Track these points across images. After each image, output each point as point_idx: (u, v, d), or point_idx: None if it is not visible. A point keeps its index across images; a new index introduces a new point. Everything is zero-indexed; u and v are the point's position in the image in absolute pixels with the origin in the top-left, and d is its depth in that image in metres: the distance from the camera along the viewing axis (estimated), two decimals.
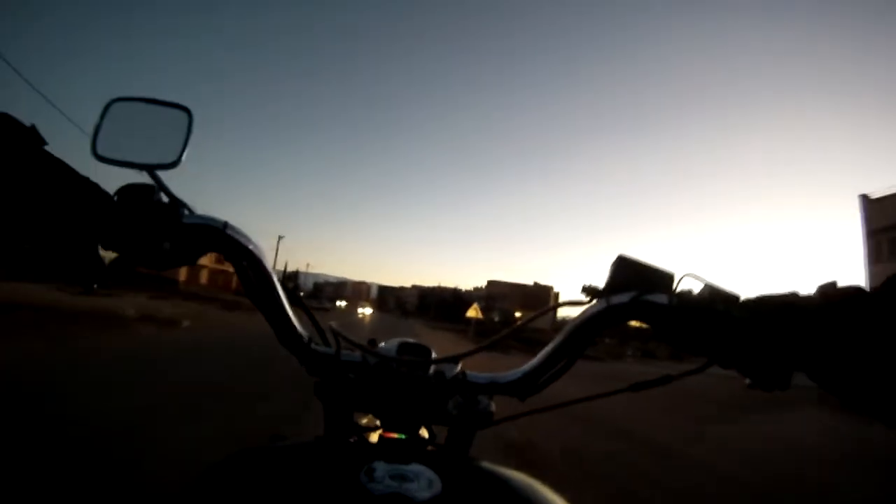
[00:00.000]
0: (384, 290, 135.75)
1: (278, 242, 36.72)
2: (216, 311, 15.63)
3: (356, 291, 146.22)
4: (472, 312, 23.82)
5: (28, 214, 0.39)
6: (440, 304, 69.10)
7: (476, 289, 76.78)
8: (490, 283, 71.94)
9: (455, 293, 75.32)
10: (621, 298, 0.47)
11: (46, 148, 0.40)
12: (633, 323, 0.49)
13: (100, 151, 0.46)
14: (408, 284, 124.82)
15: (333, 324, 0.54)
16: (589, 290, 0.49)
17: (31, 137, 0.39)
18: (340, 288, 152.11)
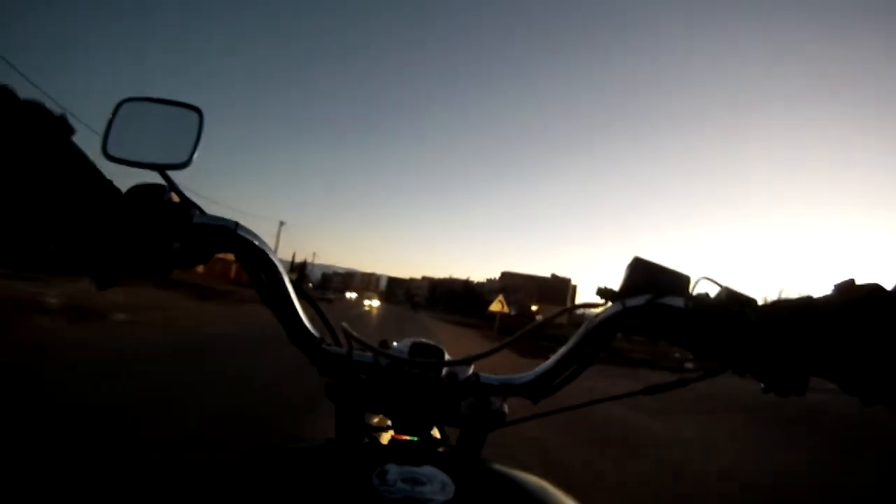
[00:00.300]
0: (393, 282, 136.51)
1: (279, 228, 35.02)
2: (184, 301, 12.30)
3: (365, 282, 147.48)
4: (497, 306, 20.67)
5: (49, 206, 0.41)
6: (451, 296, 69.24)
7: (489, 280, 76.62)
8: (504, 274, 71.56)
9: (467, 285, 75.47)
10: (637, 301, 0.48)
11: (73, 139, 0.41)
12: None
13: (110, 151, 0.48)
14: (418, 276, 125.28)
15: (345, 324, 0.55)
16: (604, 292, 0.50)
17: (61, 127, 0.40)
18: (349, 279, 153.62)
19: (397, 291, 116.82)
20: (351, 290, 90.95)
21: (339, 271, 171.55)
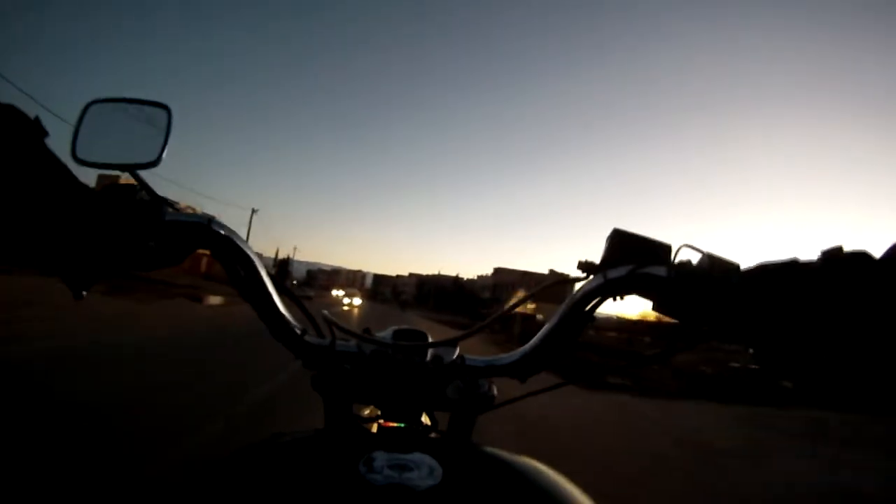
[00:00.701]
0: (379, 279, 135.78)
1: (251, 216, 32.03)
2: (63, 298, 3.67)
3: (350, 279, 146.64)
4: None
5: (23, 209, 0.42)
6: (440, 294, 68.46)
7: (480, 277, 75.55)
8: (497, 270, 69.69)
9: (457, 281, 74.61)
10: (618, 272, 0.49)
11: (47, 141, 0.43)
12: None
13: (80, 154, 0.49)
14: (405, 272, 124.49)
15: (327, 313, 0.56)
16: (585, 266, 0.51)
17: (35, 129, 0.42)
18: (334, 276, 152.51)
19: (383, 289, 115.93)
20: (337, 287, 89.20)
21: (325, 268, 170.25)
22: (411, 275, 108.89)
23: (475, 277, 76.92)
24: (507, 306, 0.59)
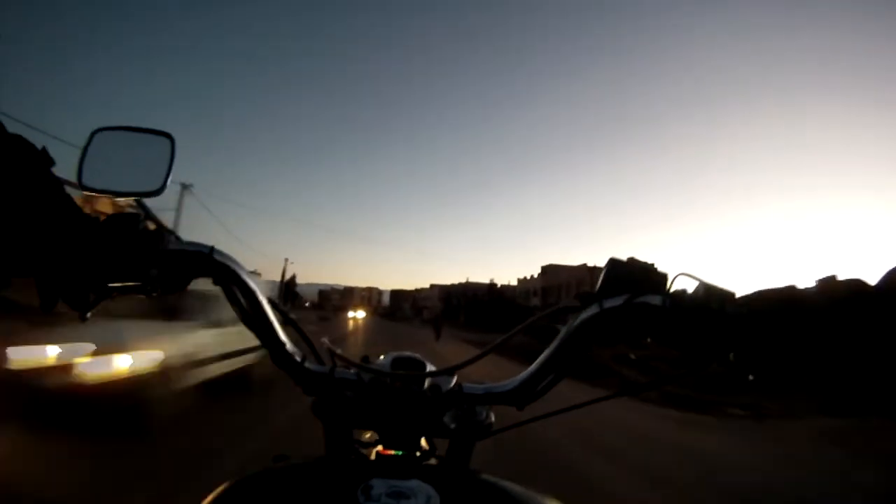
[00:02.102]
0: (397, 295, 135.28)
1: (181, 194, 26.72)
2: None
3: (365, 298, 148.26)
4: None
5: (31, 237, 0.48)
6: (472, 305, 62.44)
7: (522, 280, 69.71)
8: (547, 269, 58.52)
9: (492, 288, 70.29)
10: (614, 302, 0.54)
11: (53, 169, 0.49)
12: None
13: (85, 181, 0.55)
14: (425, 285, 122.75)
15: (326, 340, 0.62)
16: (581, 295, 0.57)
17: (42, 159, 0.48)
18: (347, 296, 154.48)
19: (403, 305, 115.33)
20: (354, 307, 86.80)
21: (338, 288, 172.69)
22: (433, 286, 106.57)
23: (515, 282, 72.40)
24: (504, 337, 0.63)
